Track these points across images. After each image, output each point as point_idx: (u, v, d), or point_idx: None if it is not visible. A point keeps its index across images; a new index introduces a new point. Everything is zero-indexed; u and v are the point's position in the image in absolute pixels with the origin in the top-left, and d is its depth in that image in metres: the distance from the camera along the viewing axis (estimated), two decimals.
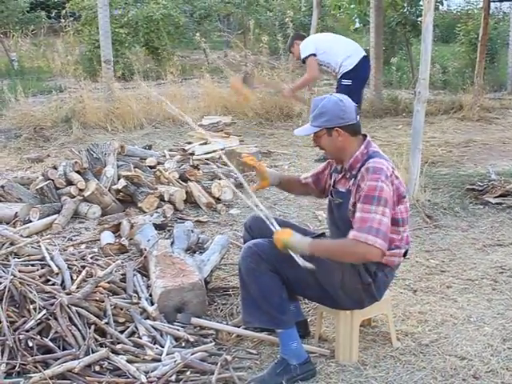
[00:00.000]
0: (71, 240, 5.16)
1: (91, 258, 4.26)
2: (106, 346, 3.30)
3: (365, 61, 7.75)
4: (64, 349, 3.26)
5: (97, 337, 3.36)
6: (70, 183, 5.95)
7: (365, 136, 3.36)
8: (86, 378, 3.04)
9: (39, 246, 4.08)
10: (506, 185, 6.39)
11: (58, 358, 3.14)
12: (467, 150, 8.75)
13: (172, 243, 4.44)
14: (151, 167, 6.73)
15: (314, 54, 7.67)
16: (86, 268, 3.94)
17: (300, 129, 3.51)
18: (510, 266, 4.75)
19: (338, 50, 7.65)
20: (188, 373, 3.20)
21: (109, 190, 5.93)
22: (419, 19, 12.61)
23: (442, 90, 13.59)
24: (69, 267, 3.89)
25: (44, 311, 3.35)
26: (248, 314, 3.31)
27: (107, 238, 4.97)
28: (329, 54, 7.66)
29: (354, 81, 7.47)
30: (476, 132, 10.04)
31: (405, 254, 3.41)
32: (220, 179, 6.40)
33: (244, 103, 7.66)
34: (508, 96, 13.33)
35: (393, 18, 12.90)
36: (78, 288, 3.63)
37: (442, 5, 14.70)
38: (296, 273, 3.18)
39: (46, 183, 5.86)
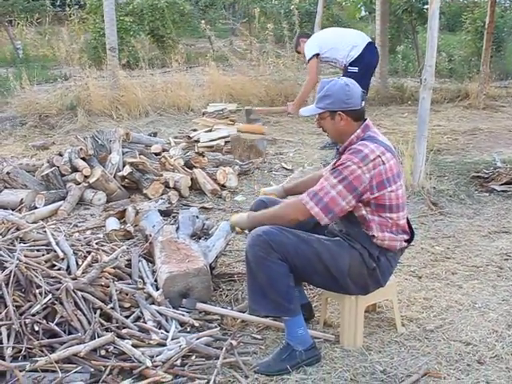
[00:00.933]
0: (76, 226, 5.17)
1: (96, 243, 4.26)
2: (111, 331, 3.30)
3: (370, 47, 7.70)
4: (70, 333, 3.26)
5: (102, 321, 3.37)
6: (75, 170, 5.96)
7: (364, 120, 3.35)
8: (92, 362, 3.04)
9: (45, 231, 4.08)
10: (511, 172, 6.37)
11: (64, 342, 3.14)
12: (473, 138, 8.73)
13: (177, 229, 4.44)
14: (156, 154, 6.73)
15: (318, 54, 7.64)
16: (92, 253, 3.94)
17: (305, 108, 3.52)
18: None
19: (343, 45, 7.62)
20: (193, 357, 3.22)
21: (114, 177, 5.94)
22: (425, 7, 12.53)
23: (448, 79, 13.54)
24: (74, 252, 3.89)
25: (50, 296, 3.35)
26: (254, 302, 3.30)
27: (112, 224, 4.98)
28: (335, 50, 7.63)
29: (360, 68, 7.44)
30: (482, 120, 10.02)
31: (409, 241, 3.41)
32: (225, 166, 6.40)
33: (262, 133, 7.64)
34: None
35: (399, 5, 12.83)
36: (83, 273, 3.63)
37: None
38: (304, 261, 3.19)
39: (51, 170, 5.86)
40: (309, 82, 7.86)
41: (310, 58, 7.66)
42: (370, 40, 7.88)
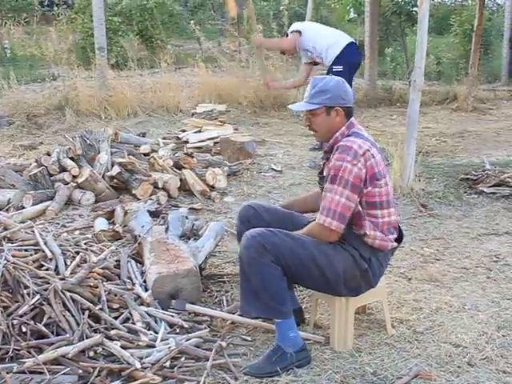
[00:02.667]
0: (65, 226, 5.13)
1: (85, 243, 4.23)
2: (100, 332, 3.27)
3: (352, 46, 7.72)
4: (58, 334, 3.23)
5: (91, 322, 3.33)
6: (63, 170, 5.91)
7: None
8: (80, 363, 3.01)
9: (33, 231, 4.04)
10: (500, 174, 6.40)
11: (52, 344, 3.11)
12: (461, 140, 8.76)
13: (166, 229, 4.41)
14: (145, 155, 6.70)
15: (300, 32, 7.68)
16: (80, 254, 3.91)
17: (296, 104, 3.50)
18: (504, 255, 4.77)
19: (325, 36, 7.71)
20: (182, 359, 3.18)
21: (102, 177, 5.91)
22: (414, 9, 12.58)
23: (437, 81, 13.59)
24: (63, 253, 3.85)
25: (38, 296, 3.32)
26: (247, 304, 3.27)
27: (101, 224, 4.95)
28: (315, 37, 7.68)
29: (345, 66, 7.45)
30: (470, 122, 10.06)
31: (398, 241, 3.41)
32: (214, 167, 6.38)
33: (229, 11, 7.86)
34: (502, 87, 13.36)
35: (388, 7, 12.87)
36: (71, 273, 3.59)
37: None
38: (298, 263, 3.17)
39: (39, 169, 5.82)
40: (299, 80, 8.11)
41: (291, 32, 7.75)
42: (353, 40, 7.89)
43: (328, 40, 7.61)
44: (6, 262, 3.42)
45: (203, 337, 3.40)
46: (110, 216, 5.25)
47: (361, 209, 3.23)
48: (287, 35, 8.04)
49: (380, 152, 3.30)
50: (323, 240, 3.21)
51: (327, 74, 7.59)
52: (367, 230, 3.24)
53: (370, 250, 3.26)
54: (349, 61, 7.59)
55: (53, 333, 3.23)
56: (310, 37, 7.67)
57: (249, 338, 3.51)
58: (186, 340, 3.29)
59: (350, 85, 7.66)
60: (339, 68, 7.42)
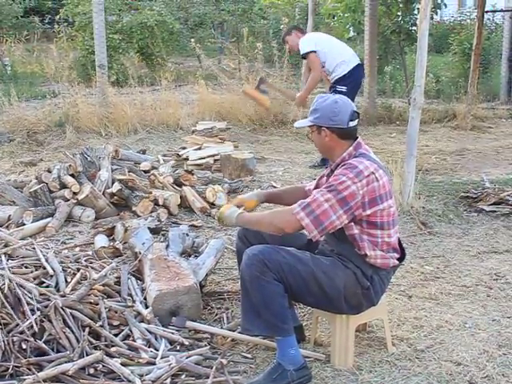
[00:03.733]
0: (65, 243, 5.13)
1: (85, 260, 4.23)
2: (100, 349, 3.27)
3: (359, 68, 7.76)
4: (58, 351, 3.23)
5: (91, 339, 3.33)
6: (63, 186, 5.93)
7: (355, 138, 3.36)
8: (80, 380, 3.01)
9: (33, 248, 4.04)
10: (499, 193, 6.40)
11: (52, 361, 3.11)
12: (461, 159, 8.77)
13: (167, 246, 4.42)
14: (145, 172, 6.71)
15: (315, 51, 7.60)
16: (81, 270, 3.91)
17: (300, 121, 3.56)
18: (504, 273, 4.76)
19: (337, 53, 7.63)
20: (183, 376, 3.18)
21: (103, 194, 5.91)
22: (413, 28, 12.64)
23: (436, 100, 13.62)
24: (63, 269, 3.86)
25: (38, 313, 3.32)
26: (248, 322, 3.26)
27: (101, 241, 4.95)
28: (327, 54, 7.60)
29: (349, 87, 7.46)
30: (469, 141, 10.07)
31: (401, 260, 3.41)
32: (214, 184, 6.39)
33: (264, 111, 7.51)
34: (501, 106, 13.39)
35: (387, 26, 12.91)
36: (72, 290, 3.59)
37: (437, 14, 14.75)
38: (300, 280, 3.17)
39: (39, 186, 5.83)
40: (316, 74, 7.77)
41: (308, 53, 7.60)
42: (360, 62, 7.90)
43: (338, 58, 7.57)
44: (8, 280, 3.42)
45: (204, 354, 3.39)
46: (110, 233, 5.25)
47: (356, 231, 3.23)
48: (285, 39, 8.01)
49: (386, 173, 3.30)
50: (278, 221, 3.22)
51: (330, 91, 7.60)
52: (367, 251, 3.24)
53: (373, 269, 3.27)
54: (354, 82, 7.59)
55: (53, 350, 3.23)
56: (322, 53, 7.59)
57: (249, 356, 3.50)
58: (187, 357, 3.29)
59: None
60: (343, 88, 7.39)
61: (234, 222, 3.37)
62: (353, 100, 7.60)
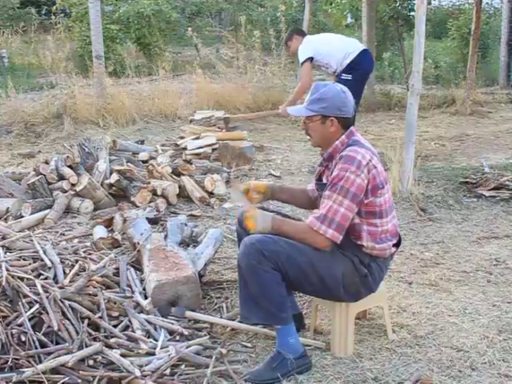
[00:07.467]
0: (63, 235, 5.11)
1: (84, 252, 4.21)
2: (99, 340, 3.26)
3: (365, 54, 7.51)
4: (57, 343, 3.22)
5: (90, 331, 3.31)
6: (61, 178, 5.91)
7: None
8: (80, 372, 3.00)
9: (31, 240, 4.03)
10: (499, 178, 6.40)
11: (51, 353, 3.10)
12: (460, 144, 8.76)
13: (165, 237, 4.41)
14: (144, 162, 6.70)
15: (312, 58, 7.48)
16: (79, 262, 3.89)
17: (294, 108, 3.49)
18: (504, 258, 4.75)
19: (337, 51, 7.44)
20: (183, 366, 3.17)
21: (101, 185, 5.90)
22: (411, 13, 12.60)
23: (435, 85, 13.60)
24: (61, 261, 3.84)
25: (37, 305, 3.31)
26: (247, 311, 3.26)
27: (100, 232, 4.93)
28: (329, 56, 7.45)
29: (354, 75, 7.28)
30: (469, 126, 10.06)
31: (397, 245, 3.40)
32: (213, 173, 6.38)
33: (242, 139, 7.57)
34: (500, 90, 13.37)
35: (385, 12, 12.86)
36: (70, 282, 3.58)
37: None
38: (297, 269, 3.16)
39: (37, 178, 5.81)
40: (302, 86, 7.60)
41: (304, 61, 7.50)
42: (365, 47, 7.74)
43: (339, 55, 7.40)
44: (6, 272, 3.40)
45: (203, 344, 3.38)
46: (108, 224, 5.24)
47: (358, 220, 3.22)
48: (287, 44, 7.92)
49: (380, 160, 3.29)
50: (315, 246, 3.17)
51: (335, 80, 7.47)
52: (364, 241, 3.23)
53: (370, 256, 3.26)
54: (362, 69, 7.38)
55: (52, 342, 3.21)
56: (323, 56, 7.44)
57: (249, 345, 3.49)
58: (186, 347, 3.28)
59: (362, 93, 7.55)
60: (348, 76, 7.19)
61: (270, 231, 3.22)
62: (362, 88, 7.50)
